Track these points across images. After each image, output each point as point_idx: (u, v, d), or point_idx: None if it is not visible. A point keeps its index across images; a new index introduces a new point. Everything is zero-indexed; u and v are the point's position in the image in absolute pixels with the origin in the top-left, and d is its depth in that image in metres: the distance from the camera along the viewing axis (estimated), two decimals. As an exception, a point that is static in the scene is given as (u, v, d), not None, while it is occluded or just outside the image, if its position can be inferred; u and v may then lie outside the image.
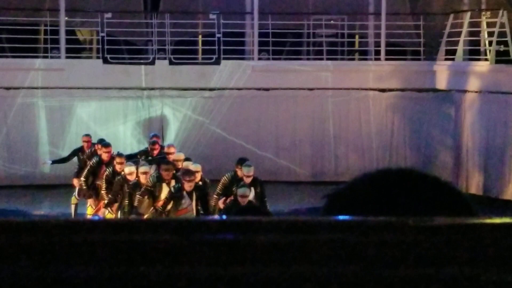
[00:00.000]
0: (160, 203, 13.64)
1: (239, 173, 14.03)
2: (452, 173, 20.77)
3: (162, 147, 16.37)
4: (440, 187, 1.14)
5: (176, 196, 13.38)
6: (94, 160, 15.74)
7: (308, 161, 21.87)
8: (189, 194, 13.33)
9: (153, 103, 21.49)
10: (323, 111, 21.71)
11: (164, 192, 13.69)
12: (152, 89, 21.38)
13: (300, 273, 0.74)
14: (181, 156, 15.14)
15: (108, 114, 21.29)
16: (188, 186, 13.24)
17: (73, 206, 16.39)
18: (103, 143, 15.97)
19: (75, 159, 17.04)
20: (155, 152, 16.11)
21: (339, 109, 21.75)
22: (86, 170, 15.75)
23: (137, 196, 13.72)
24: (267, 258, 0.74)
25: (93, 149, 16.44)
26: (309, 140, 21.80)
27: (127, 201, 14.00)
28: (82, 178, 15.71)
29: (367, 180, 1.20)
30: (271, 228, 0.77)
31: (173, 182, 13.75)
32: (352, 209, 1.12)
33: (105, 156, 15.56)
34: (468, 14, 21.24)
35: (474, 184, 20.32)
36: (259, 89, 21.43)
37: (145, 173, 13.97)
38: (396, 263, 0.74)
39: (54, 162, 17.88)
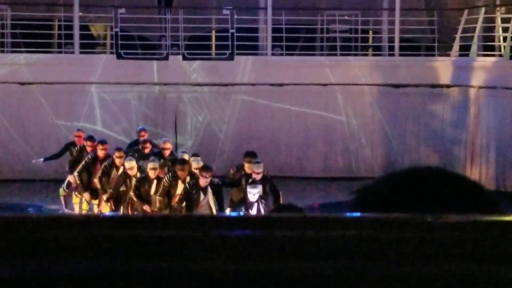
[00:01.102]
0: (175, 200, 13.77)
1: (246, 166, 14.09)
2: (466, 168, 20.72)
3: (150, 143, 16.51)
4: (467, 186, 1.14)
5: (191, 192, 13.45)
6: (90, 156, 15.77)
7: (321, 156, 21.85)
8: (204, 190, 13.39)
9: (166, 99, 21.52)
10: (336, 107, 21.68)
11: (180, 189, 13.82)
12: (166, 84, 21.41)
13: (320, 269, 0.74)
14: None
15: (122, 109, 21.33)
16: (203, 182, 13.33)
17: (62, 198, 16.51)
18: (100, 140, 16.04)
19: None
20: (147, 150, 16.16)
21: (352, 105, 21.73)
22: (80, 166, 15.79)
23: (158, 197, 13.91)
24: (286, 254, 0.74)
25: (82, 145, 16.47)
26: (322, 136, 21.78)
27: (133, 195, 14.19)
28: (76, 173, 15.77)
29: (396, 177, 1.19)
30: (290, 224, 0.77)
31: (188, 179, 13.89)
32: (380, 205, 1.12)
33: (101, 153, 15.61)
34: (483, 9, 21.16)
35: (487, 179, 20.25)
36: (272, 84, 21.42)
37: (154, 169, 14.13)
38: (418, 259, 0.74)
39: (46, 159, 17.73)
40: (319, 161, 21.86)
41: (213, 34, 23.12)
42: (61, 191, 16.50)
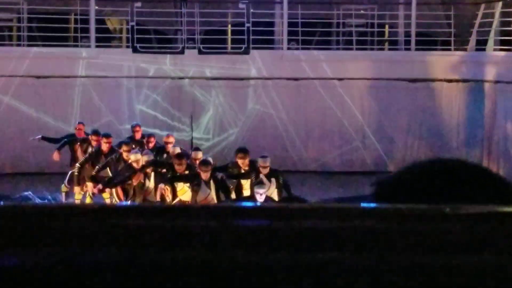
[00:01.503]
0: (179, 192, 13.79)
1: (240, 162, 14.05)
2: (482, 163, 20.62)
3: (143, 136, 16.52)
4: (490, 178, 1.13)
5: (192, 182, 13.44)
6: (94, 149, 15.77)
7: (337, 151, 21.84)
8: (207, 183, 13.38)
9: (182, 93, 21.54)
10: (352, 101, 21.64)
11: (180, 184, 13.86)
12: (181, 78, 21.43)
13: (337, 259, 0.73)
14: (177, 149, 15.12)
15: (138, 103, 21.37)
16: (204, 176, 13.32)
17: (63, 194, 16.57)
18: (104, 133, 16.00)
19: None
20: (151, 145, 16.07)
21: (368, 99, 21.69)
22: (83, 158, 15.79)
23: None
24: (303, 244, 0.74)
25: (86, 139, 16.47)
26: (338, 130, 21.76)
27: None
28: (78, 165, 15.76)
29: (417, 169, 1.18)
30: (307, 214, 0.76)
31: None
32: (401, 197, 1.11)
33: (105, 147, 15.58)
34: (500, 3, 21.06)
35: (504, 174, 20.16)
36: (288, 78, 21.40)
37: (136, 161, 14.21)
38: (436, 250, 0.73)
39: (43, 138, 17.84)
40: (335, 156, 21.84)
41: (229, 28, 23.11)
42: (63, 187, 16.52)
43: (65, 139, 17.08)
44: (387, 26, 23.62)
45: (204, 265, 0.71)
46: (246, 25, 21.12)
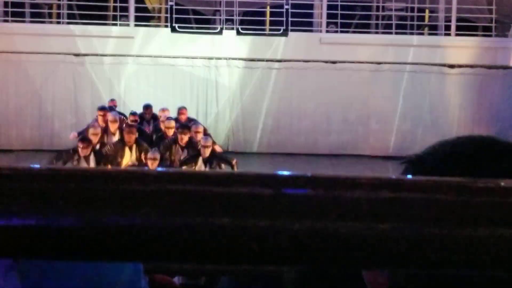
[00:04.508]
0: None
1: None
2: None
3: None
4: None
5: (189, 160, 13.25)
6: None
7: (374, 135, 21.74)
8: (206, 161, 13.11)
9: (220, 73, 21.55)
10: (390, 86, 21.52)
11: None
12: (219, 59, 21.43)
13: (381, 230, 0.72)
14: (172, 123, 14.91)
15: (175, 83, 21.40)
16: (204, 152, 13.06)
17: None
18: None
19: None
20: (184, 116, 15.76)
21: (406, 84, 21.54)
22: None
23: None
24: (352, 215, 0.72)
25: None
26: (376, 115, 21.65)
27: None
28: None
29: (449, 146, 1.17)
30: (358, 185, 0.75)
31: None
32: (432, 174, 1.10)
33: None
34: (543, -10, 20.82)
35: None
36: (326, 61, 21.32)
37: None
38: (468, 223, 0.72)
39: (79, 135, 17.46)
40: (371, 140, 21.75)
41: (268, 9, 23.06)
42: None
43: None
44: (427, 11, 23.43)
45: (254, 232, 0.70)
46: (285, 7, 21.07)
